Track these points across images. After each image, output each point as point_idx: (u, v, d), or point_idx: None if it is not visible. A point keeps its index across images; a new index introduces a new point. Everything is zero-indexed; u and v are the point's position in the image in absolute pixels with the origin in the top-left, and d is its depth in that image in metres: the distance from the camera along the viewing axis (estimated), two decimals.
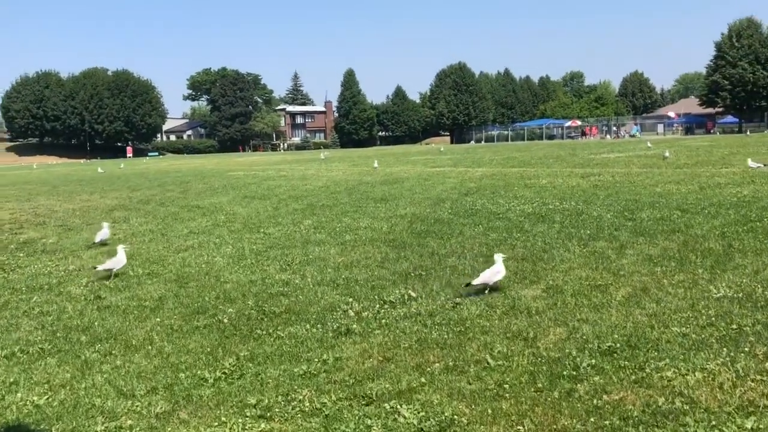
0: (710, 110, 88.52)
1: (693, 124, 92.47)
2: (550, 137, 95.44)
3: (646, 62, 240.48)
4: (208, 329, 6.11)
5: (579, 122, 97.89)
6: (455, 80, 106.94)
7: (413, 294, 6.74)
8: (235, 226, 12.68)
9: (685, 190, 13.91)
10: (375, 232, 10.87)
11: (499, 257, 6.83)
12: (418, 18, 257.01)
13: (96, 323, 6.57)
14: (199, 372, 5.01)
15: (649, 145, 37.81)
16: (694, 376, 4.29)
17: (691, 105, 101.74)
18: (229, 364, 5.12)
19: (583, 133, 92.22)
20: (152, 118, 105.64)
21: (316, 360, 5.06)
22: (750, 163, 18.85)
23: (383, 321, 5.93)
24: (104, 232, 11.22)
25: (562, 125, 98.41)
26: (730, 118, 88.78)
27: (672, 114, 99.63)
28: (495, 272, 6.70)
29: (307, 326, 5.92)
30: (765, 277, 6.56)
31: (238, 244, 10.56)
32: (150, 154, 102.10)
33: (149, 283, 8.19)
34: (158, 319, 6.53)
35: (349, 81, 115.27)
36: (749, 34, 79.84)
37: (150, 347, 5.71)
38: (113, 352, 5.66)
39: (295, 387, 4.58)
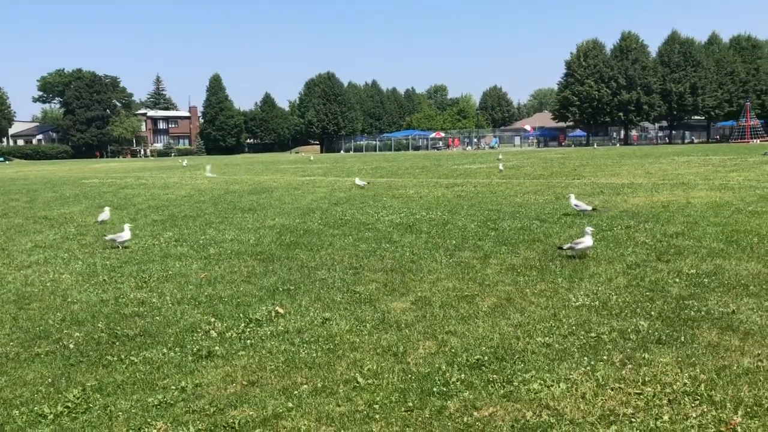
0: (562, 124, 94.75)
1: (547, 137, 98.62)
2: (416, 148, 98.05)
3: (504, 77, 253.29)
4: (50, 357, 5.49)
5: (443, 134, 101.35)
6: (324, 89, 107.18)
7: (281, 311, 6.47)
8: (87, 239, 11.74)
9: (543, 201, 14.61)
10: (241, 244, 10.45)
11: (588, 230, 8.42)
12: (287, 25, 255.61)
13: None
14: (36, 407, 4.45)
15: (500, 158, 38.94)
16: (559, 387, 4.36)
17: (545, 119, 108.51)
18: (74, 396, 4.60)
19: (447, 145, 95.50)
20: None
21: (174, 387, 4.66)
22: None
23: (248, 341, 5.61)
24: (105, 215, 13.63)
25: (427, 137, 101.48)
26: (579, 132, 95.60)
27: (528, 127, 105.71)
28: (579, 242, 8.27)
29: (164, 350, 5.47)
30: (617, 284, 6.92)
31: (89, 259, 9.75)
32: None
33: None
34: None
35: (216, 86, 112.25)
36: (595, 55, 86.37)
37: None
38: None
39: (149, 419, 4.18)
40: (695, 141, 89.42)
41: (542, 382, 4.45)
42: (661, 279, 7.06)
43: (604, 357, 4.85)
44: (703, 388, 4.22)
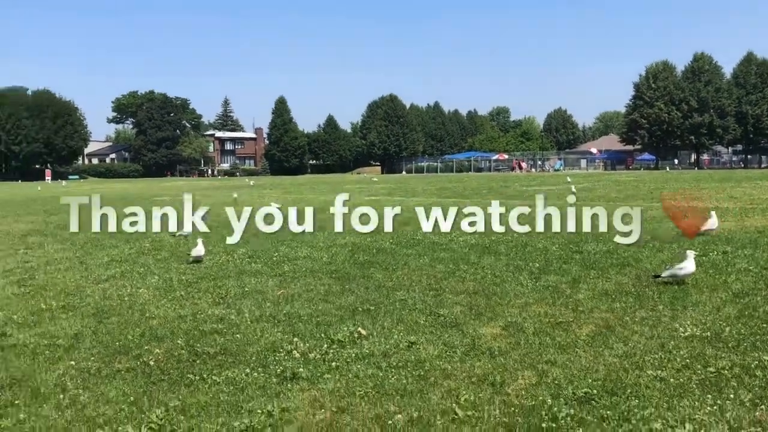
0: (629, 147, 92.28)
1: (614, 160, 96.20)
2: (478, 170, 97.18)
3: (569, 99, 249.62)
4: (131, 373, 5.33)
5: (506, 156, 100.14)
6: (386, 111, 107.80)
7: (363, 332, 6.17)
8: (162, 254, 11.78)
9: None
10: (315, 262, 10.26)
11: (690, 253, 7.60)
12: (350, 48, 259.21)
13: None
14: (120, 427, 4.26)
15: (568, 180, 37.89)
16: (684, 428, 3.90)
17: (612, 142, 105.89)
18: (157, 416, 4.39)
19: (512, 168, 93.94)
20: (74, 141, 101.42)
21: (260, 411, 4.40)
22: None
23: (333, 363, 5.32)
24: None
25: (490, 158, 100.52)
26: (647, 156, 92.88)
27: (594, 150, 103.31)
28: (680, 267, 7.54)
29: (247, 370, 5.24)
30: (728, 314, 6.34)
31: (165, 274, 9.71)
32: (70, 177, 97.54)
33: (64, 318, 7.28)
34: (73, 362, 5.68)
35: (281, 109, 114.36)
36: (665, 77, 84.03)
37: (62, 396, 4.89)
38: (16, 402, 4.81)
39: None
40: None
41: (664, 421, 3.99)
42: None
43: (731, 395, 4.35)
44: None
